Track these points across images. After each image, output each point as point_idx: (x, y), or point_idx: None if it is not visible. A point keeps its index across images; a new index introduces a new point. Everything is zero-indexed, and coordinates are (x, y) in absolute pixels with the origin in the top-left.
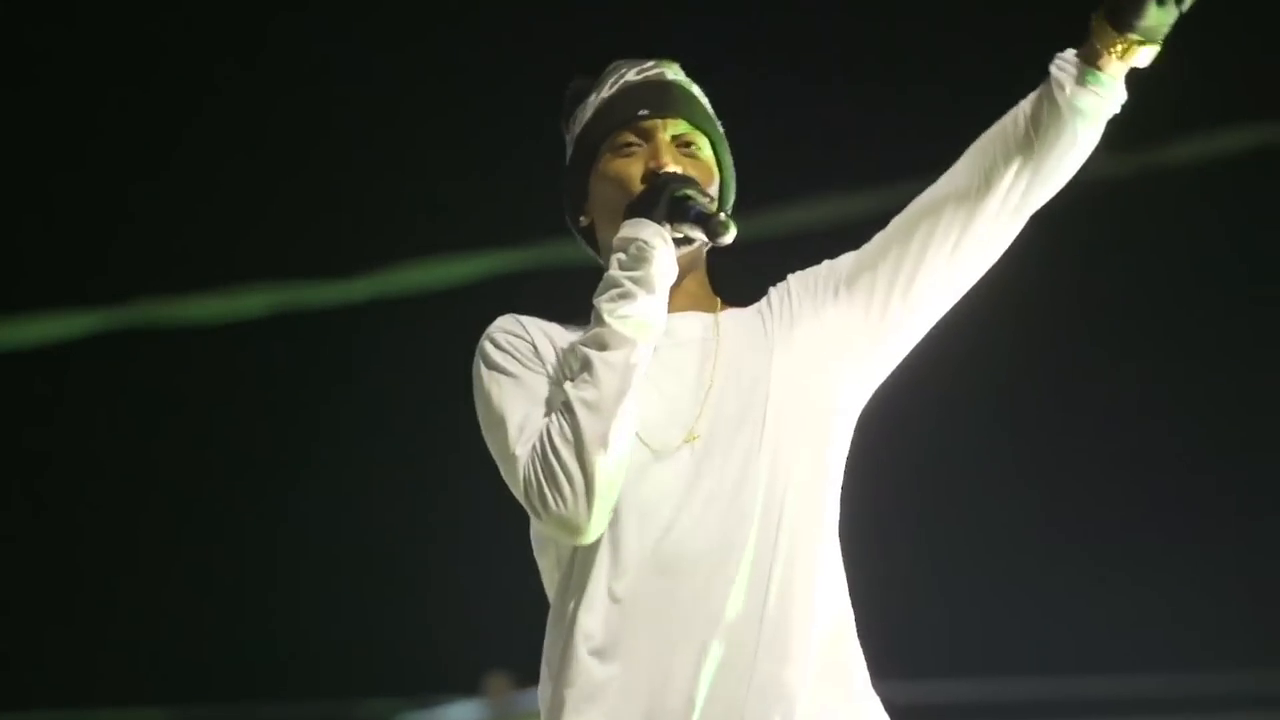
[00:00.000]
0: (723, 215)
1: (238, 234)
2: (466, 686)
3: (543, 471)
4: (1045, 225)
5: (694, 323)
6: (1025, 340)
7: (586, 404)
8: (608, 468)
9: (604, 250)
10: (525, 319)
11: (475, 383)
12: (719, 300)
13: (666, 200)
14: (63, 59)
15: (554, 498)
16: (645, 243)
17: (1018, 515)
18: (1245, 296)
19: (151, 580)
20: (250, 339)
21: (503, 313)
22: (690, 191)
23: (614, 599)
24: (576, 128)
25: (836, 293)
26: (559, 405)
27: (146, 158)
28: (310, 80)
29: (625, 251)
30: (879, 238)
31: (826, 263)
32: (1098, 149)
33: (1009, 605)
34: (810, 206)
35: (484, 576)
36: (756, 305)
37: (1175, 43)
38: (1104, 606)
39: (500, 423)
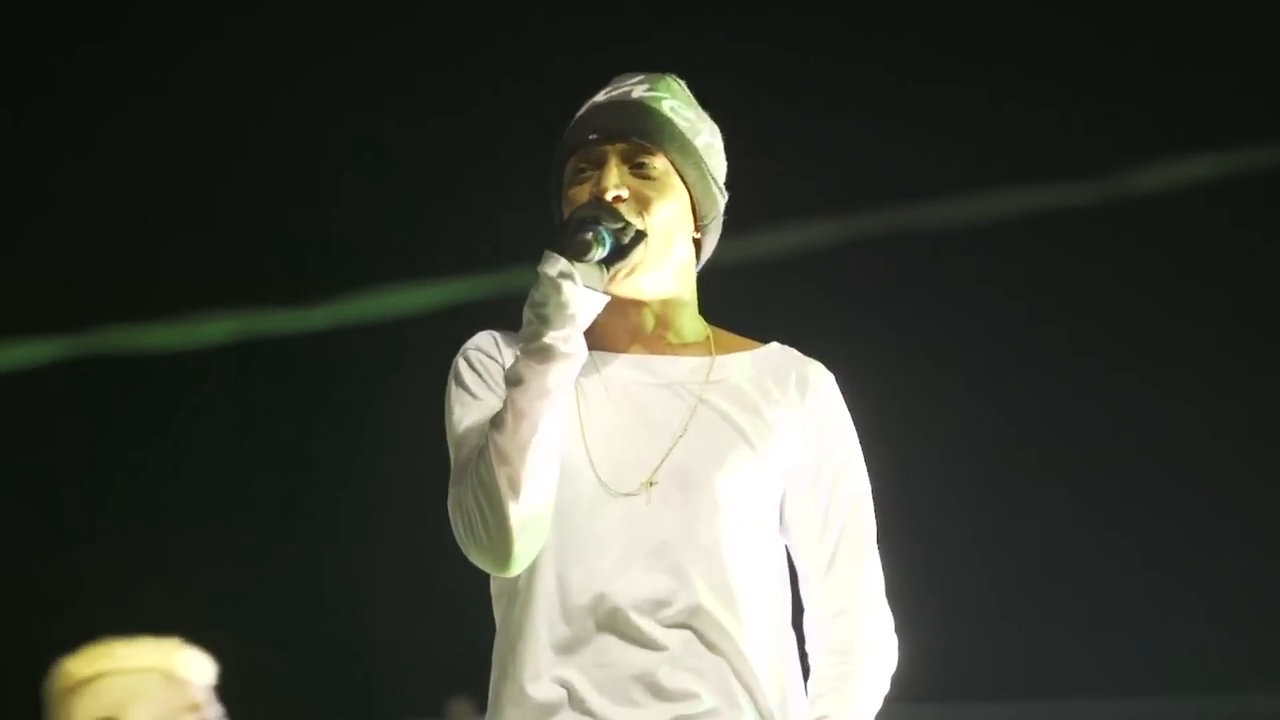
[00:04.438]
0: (589, 235)
1: (200, 261)
2: (429, 712)
3: (460, 514)
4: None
5: (678, 366)
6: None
7: (498, 449)
8: (521, 510)
9: None
10: (501, 336)
11: (445, 399)
12: (710, 337)
13: (573, 229)
14: (20, 82)
15: (470, 539)
16: (545, 275)
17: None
18: (1217, 320)
19: (110, 607)
20: (212, 366)
21: (464, 341)
22: (590, 214)
23: (556, 636)
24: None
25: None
26: (480, 447)
27: (108, 186)
28: (272, 106)
29: (537, 285)
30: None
31: (833, 444)
32: (1064, 177)
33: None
34: (771, 234)
35: (447, 601)
36: (776, 365)
37: (1142, 72)
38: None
39: (456, 446)
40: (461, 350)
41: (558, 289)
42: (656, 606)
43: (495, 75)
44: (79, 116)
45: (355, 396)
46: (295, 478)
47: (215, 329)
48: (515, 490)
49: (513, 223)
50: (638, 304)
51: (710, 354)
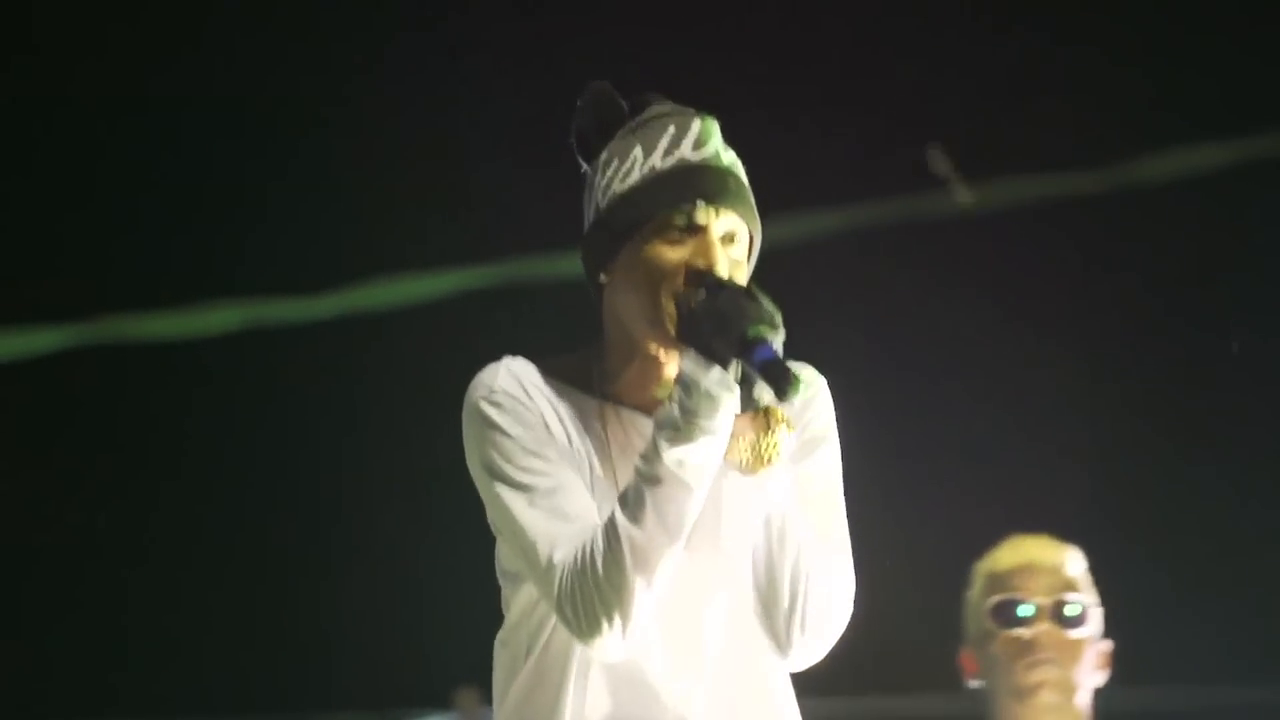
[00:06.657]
0: (793, 374)
1: (206, 250)
2: (436, 701)
3: (581, 596)
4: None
5: None
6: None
7: (634, 544)
8: (645, 601)
9: (609, 313)
10: (521, 373)
11: (479, 452)
12: None
13: (738, 339)
14: (17, 71)
15: (589, 624)
16: (709, 393)
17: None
18: (1218, 312)
19: (115, 597)
20: (218, 355)
21: (470, 330)
22: (762, 332)
23: (579, 686)
24: (617, 182)
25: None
26: (607, 528)
27: (115, 173)
28: (277, 96)
29: (688, 394)
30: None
31: (815, 447)
32: (1073, 165)
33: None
34: (776, 224)
35: (454, 590)
36: None
37: (1149, 60)
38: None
39: (522, 531)
40: (482, 395)
41: (715, 405)
42: (675, 667)
43: (500, 65)
44: (89, 107)
45: (361, 385)
46: (300, 467)
47: (222, 318)
48: (649, 585)
49: (518, 212)
50: (669, 363)
51: None
